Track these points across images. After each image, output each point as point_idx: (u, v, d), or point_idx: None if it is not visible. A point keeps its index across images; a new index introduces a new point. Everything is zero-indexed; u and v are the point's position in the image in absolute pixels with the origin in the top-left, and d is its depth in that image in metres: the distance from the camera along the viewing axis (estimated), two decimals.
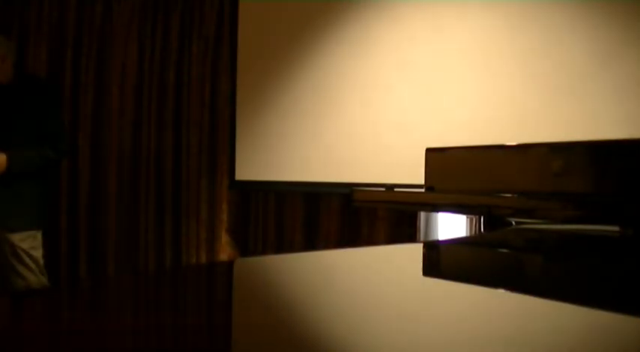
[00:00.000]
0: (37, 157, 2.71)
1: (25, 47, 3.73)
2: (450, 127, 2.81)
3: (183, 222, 3.60)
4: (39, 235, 2.77)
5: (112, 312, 0.54)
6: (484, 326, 0.49)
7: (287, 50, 3.34)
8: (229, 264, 1.23)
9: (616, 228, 0.93)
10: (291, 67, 3.32)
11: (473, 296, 0.61)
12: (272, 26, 3.41)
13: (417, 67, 2.94)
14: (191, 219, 3.58)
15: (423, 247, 1.08)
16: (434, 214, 1.46)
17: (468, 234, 1.22)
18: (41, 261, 2.76)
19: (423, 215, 1.51)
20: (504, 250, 0.96)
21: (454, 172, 1.20)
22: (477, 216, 1.18)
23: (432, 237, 1.48)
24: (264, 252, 3.44)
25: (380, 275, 0.73)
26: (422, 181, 1.21)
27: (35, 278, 2.71)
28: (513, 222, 1.05)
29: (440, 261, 0.89)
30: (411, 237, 2.84)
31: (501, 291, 0.64)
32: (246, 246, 3.53)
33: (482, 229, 1.15)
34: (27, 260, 2.69)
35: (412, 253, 0.95)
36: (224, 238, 3.56)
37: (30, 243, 2.71)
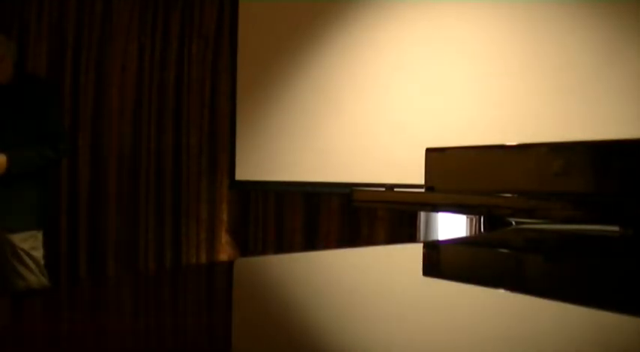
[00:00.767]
0: (36, 157, 2.70)
1: (25, 47, 3.73)
2: (450, 127, 2.81)
3: (183, 222, 3.60)
4: (39, 235, 2.76)
5: (112, 312, 0.54)
6: (484, 326, 0.49)
7: (287, 50, 3.34)
8: (229, 264, 1.23)
9: (616, 228, 0.93)
10: (291, 67, 3.32)
11: (473, 297, 0.61)
12: (272, 26, 3.41)
13: (416, 67, 2.94)
14: (191, 219, 3.58)
15: (423, 247, 1.08)
16: (434, 214, 1.46)
17: (468, 234, 1.22)
18: (42, 262, 2.75)
19: (423, 215, 1.51)
20: (504, 250, 0.96)
21: (454, 172, 1.20)
22: (477, 216, 1.18)
23: (432, 237, 1.48)
24: (264, 252, 3.44)
25: (380, 275, 0.73)
26: (422, 181, 1.21)
27: (35, 278, 2.70)
28: (513, 222, 1.05)
29: (440, 260, 0.89)
30: (411, 237, 2.84)
31: (501, 291, 0.64)
32: (246, 246, 3.53)
33: (482, 229, 1.15)
34: (27, 260, 2.69)
35: (412, 253, 0.95)
36: (224, 238, 3.55)
37: (31, 243, 2.70)
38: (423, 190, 1.21)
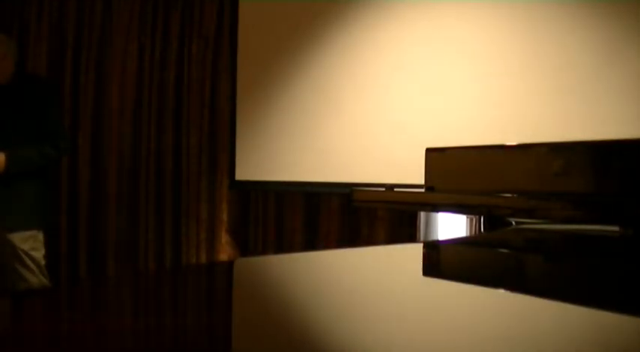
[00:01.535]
0: (36, 156, 2.69)
1: (25, 47, 3.73)
2: (450, 127, 2.81)
3: (183, 222, 3.60)
4: (40, 236, 2.76)
5: (112, 312, 0.54)
6: (484, 326, 0.49)
7: (287, 50, 3.34)
8: (229, 264, 1.23)
9: (616, 228, 0.93)
10: (291, 67, 3.32)
11: (473, 297, 0.61)
12: (272, 26, 3.41)
13: (416, 67, 2.94)
14: (191, 219, 3.58)
15: (423, 247, 1.08)
16: (434, 214, 1.46)
17: (468, 234, 1.22)
18: (42, 262, 2.75)
19: (423, 215, 1.51)
20: (504, 250, 0.96)
21: (454, 172, 1.20)
22: (477, 216, 1.18)
23: (432, 237, 1.48)
24: (264, 252, 3.44)
25: (380, 275, 0.73)
26: (422, 181, 1.21)
27: (36, 279, 2.70)
28: (513, 222, 1.05)
29: (440, 260, 0.89)
30: (411, 237, 2.84)
31: (501, 291, 0.64)
32: (246, 246, 3.53)
33: (482, 229, 1.15)
34: (28, 261, 2.68)
35: (412, 253, 0.95)
36: (224, 238, 3.55)
37: (31, 243, 2.69)
38: (423, 190, 1.21)
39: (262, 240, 3.48)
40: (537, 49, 2.66)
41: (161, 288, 0.66)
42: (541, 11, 2.65)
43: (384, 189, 1.42)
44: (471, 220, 1.21)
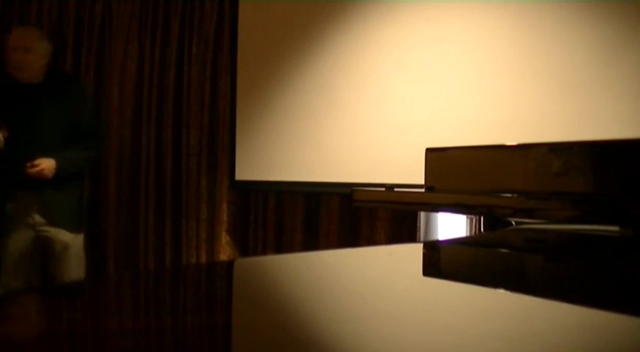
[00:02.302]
0: (81, 159, 2.75)
1: None
2: (450, 127, 2.81)
3: (183, 222, 3.60)
4: (81, 237, 2.85)
5: (112, 312, 0.54)
6: (484, 326, 0.49)
7: (287, 50, 3.34)
8: (229, 264, 1.23)
9: (616, 228, 0.93)
10: (291, 67, 3.32)
11: (473, 297, 0.61)
12: (272, 26, 3.40)
13: (417, 67, 2.94)
14: (191, 219, 3.58)
15: (423, 247, 1.08)
16: (434, 214, 1.46)
17: (468, 234, 1.22)
18: (84, 264, 2.84)
19: (423, 215, 1.51)
20: (504, 250, 0.96)
21: (454, 172, 1.20)
22: (477, 216, 1.18)
23: (432, 237, 1.48)
24: (264, 252, 3.44)
25: (380, 275, 0.73)
26: (422, 181, 1.21)
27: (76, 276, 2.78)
28: (513, 222, 1.05)
29: (440, 261, 0.89)
30: (411, 237, 2.84)
31: (501, 291, 0.64)
32: (246, 246, 3.53)
33: (482, 229, 1.15)
34: (73, 261, 2.76)
35: (412, 253, 0.95)
36: (224, 238, 3.55)
37: (77, 243, 2.78)
38: (423, 190, 1.21)
39: (262, 240, 3.48)
40: (537, 50, 2.65)
41: (161, 288, 0.66)
42: (541, 12, 2.65)
43: (384, 189, 1.42)
44: (471, 220, 1.21)
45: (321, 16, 3.23)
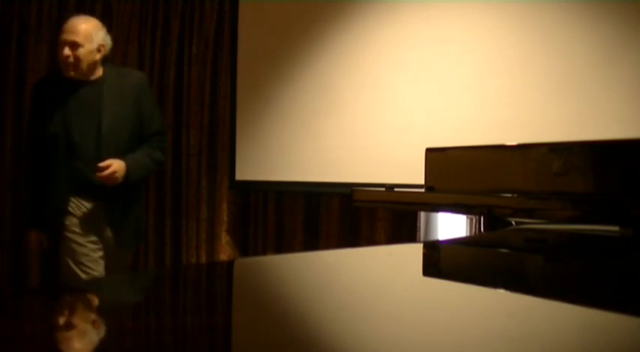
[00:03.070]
0: (150, 162, 2.41)
1: (25, 47, 3.73)
2: (450, 127, 2.81)
3: (183, 222, 3.60)
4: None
5: (112, 312, 0.54)
6: (484, 326, 0.49)
7: (287, 50, 3.34)
8: (229, 264, 1.23)
9: (616, 228, 0.93)
10: (291, 67, 3.32)
11: (473, 297, 0.61)
12: (272, 26, 3.40)
13: (417, 67, 2.94)
14: (191, 219, 3.58)
15: (423, 247, 1.08)
16: (434, 214, 1.46)
17: (468, 234, 1.22)
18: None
19: (423, 215, 1.52)
20: (504, 250, 0.96)
21: (454, 172, 1.20)
22: (477, 216, 1.18)
23: (432, 237, 1.48)
24: (264, 252, 3.44)
25: (380, 275, 0.73)
26: (422, 181, 1.21)
27: None
28: (513, 222, 1.05)
29: (440, 260, 0.89)
30: (411, 237, 2.84)
31: (501, 291, 0.65)
32: (246, 246, 3.53)
33: (482, 229, 1.15)
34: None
35: (412, 253, 0.95)
36: (224, 238, 3.55)
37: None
38: (423, 190, 1.21)
39: (262, 240, 3.48)
40: (537, 50, 2.66)
41: (161, 288, 0.66)
42: (541, 12, 2.65)
43: (384, 189, 1.42)
44: (471, 220, 1.21)
45: (321, 16, 3.23)
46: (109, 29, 3.73)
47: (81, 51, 2.30)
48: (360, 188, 1.48)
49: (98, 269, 2.33)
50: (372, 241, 3.10)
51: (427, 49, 2.91)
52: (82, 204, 2.32)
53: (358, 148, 3.07)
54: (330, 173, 3.14)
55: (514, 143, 1.11)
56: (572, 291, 0.64)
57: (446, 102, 2.86)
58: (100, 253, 2.35)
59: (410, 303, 0.58)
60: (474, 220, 1.20)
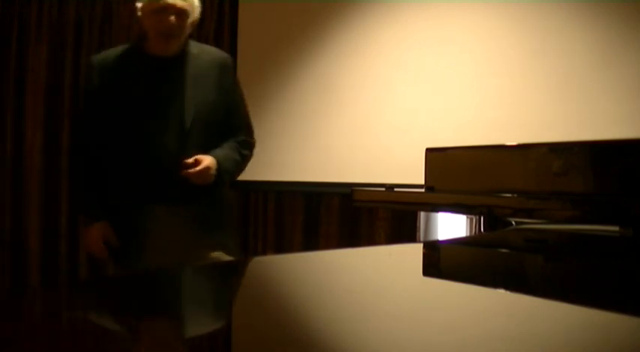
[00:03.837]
0: (240, 160, 2.02)
1: (25, 47, 3.73)
2: (450, 127, 2.81)
3: None
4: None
5: (112, 312, 0.54)
6: (484, 326, 0.49)
7: (287, 50, 3.34)
8: (229, 264, 1.23)
9: (616, 228, 0.93)
10: (291, 67, 3.32)
11: (473, 297, 0.61)
12: (272, 26, 3.40)
13: (417, 67, 2.94)
14: None
15: (423, 247, 1.08)
16: (434, 214, 1.46)
17: (468, 234, 1.22)
18: None
19: (423, 215, 1.51)
20: (504, 250, 0.96)
21: (454, 172, 1.20)
22: (477, 216, 1.18)
23: (432, 237, 1.48)
24: (264, 252, 3.44)
25: (380, 275, 0.73)
26: (422, 181, 1.21)
27: None
28: (513, 222, 1.05)
29: (440, 261, 0.89)
30: (411, 237, 2.84)
31: (501, 291, 0.65)
32: (246, 246, 3.53)
33: (482, 229, 1.15)
34: None
35: (412, 253, 0.95)
36: None
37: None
38: (423, 190, 1.21)
39: (262, 240, 3.48)
40: (537, 50, 2.66)
41: (162, 288, 0.66)
42: (541, 12, 2.65)
43: (384, 189, 1.42)
44: (471, 220, 1.21)
45: (321, 16, 3.23)
46: (109, 29, 3.75)
47: (187, 21, 1.88)
48: (360, 188, 1.48)
49: None
50: (372, 241, 3.10)
51: (427, 49, 2.91)
52: (159, 208, 1.88)
53: (358, 148, 3.07)
54: (330, 173, 3.14)
55: (514, 143, 1.11)
56: (572, 291, 0.64)
57: (446, 102, 2.86)
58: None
59: (410, 303, 0.58)
60: (474, 220, 1.20)
